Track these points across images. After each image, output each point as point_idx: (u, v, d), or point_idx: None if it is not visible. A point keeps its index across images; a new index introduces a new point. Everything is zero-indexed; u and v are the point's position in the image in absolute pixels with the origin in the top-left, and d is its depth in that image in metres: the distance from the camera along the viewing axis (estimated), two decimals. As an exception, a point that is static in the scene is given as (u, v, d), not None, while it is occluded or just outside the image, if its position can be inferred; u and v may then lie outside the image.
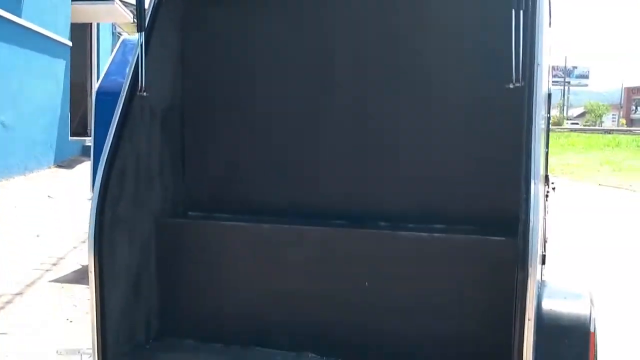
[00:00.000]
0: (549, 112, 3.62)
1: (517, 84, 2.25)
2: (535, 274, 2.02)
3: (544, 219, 3.58)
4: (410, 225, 2.77)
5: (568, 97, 74.67)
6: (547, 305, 2.75)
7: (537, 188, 2.05)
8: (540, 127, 2.18)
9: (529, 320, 2.00)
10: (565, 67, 74.09)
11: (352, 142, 2.97)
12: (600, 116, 73.12)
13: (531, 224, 2.02)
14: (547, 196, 3.72)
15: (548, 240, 4.00)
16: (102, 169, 2.60)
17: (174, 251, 3.03)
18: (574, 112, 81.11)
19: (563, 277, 4.15)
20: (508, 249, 2.29)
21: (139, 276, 2.90)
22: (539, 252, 2.14)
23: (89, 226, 2.56)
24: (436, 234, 2.66)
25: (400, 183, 2.88)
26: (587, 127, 48.33)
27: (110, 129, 2.70)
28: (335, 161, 2.99)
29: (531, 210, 2.03)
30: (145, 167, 2.93)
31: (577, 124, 60.26)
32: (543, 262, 3.55)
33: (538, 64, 2.18)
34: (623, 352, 4.03)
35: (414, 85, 2.88)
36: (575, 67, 75.73)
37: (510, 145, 2.47)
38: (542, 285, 3.02)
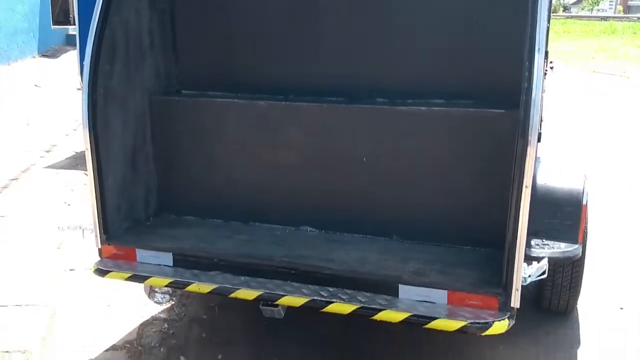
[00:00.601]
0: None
1: None
2: (535, 143, 2.02)
3: (542, 96, 3.58)
4: (409, 101, 2.74)
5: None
6: (543, 179, 2.81)
7: (540, 60, 2.00)
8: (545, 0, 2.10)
9: (526, 187, 2.02)
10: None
11: (350, 18, 2.87)
12: (597, 3, 71.16)
13: (533, 94, 1.99)
14: (545, 74, 3.67)
15: (544, 120, 3.99)
16: (92, 42, 2.51)
17: (169, 129, 3.01)
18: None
19: (558, 155, 4.19)
20: (508, 121, 2.28)
21: (135, 154, 2.89)
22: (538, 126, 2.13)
23: (82, 101, 2.52)
24: (435, 108, 2.64)
25: (399, 59, 2.82)
26: (583, 15, 47.16)
27: (96, 3, 2.59)
28: (333, 38, 2.90)
29: (534, 81, 2.00)
30: (135, 43, 2.85)
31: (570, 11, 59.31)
32: (539, 140, 3.58)
33: None
34: (608, 225, 4.16)
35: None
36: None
37: (512, 18, 2.40)
38: (538, 161, 3.07)
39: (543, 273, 2.27)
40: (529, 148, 2.02)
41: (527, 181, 2.03)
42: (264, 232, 2.85)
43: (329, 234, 2.81)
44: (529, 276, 2.19)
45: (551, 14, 4.11)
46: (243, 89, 2.98)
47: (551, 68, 3.94)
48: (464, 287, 2.23)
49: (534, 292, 3.12)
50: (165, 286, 2.69)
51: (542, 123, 3.86)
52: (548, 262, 2.62)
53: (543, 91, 3.71)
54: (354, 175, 2.77)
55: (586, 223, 2.83)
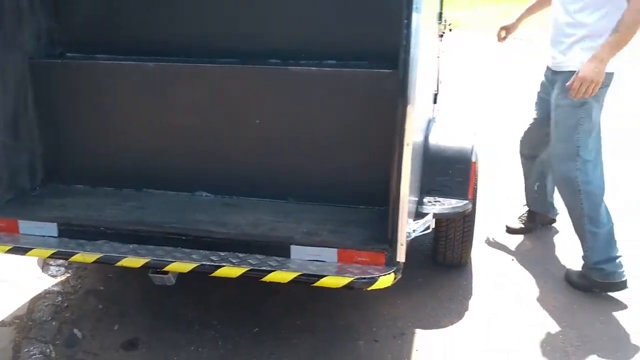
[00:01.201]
0: None
1: None
2: (414, 101, 2.04)
3: (437, 57, 3.63)
4: (302, 62, 2.73)
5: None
6: (434, 139, 2.89)
7: (418, 20, 2.00)
8: None
9: (407, 145, 2.05)
10: None
11: None
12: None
13: (412, 52, 2.01)
14: (441, 36, 3.73)
15: (442, 82, 4.08)
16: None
17: (54, 94, 2.85)
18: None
19: (452, 115, 4.30)
20: (394, 80, 2.29)
21: (15, 120, 2.73)
22: (422, 84, 2.15)
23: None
24: (326, 69, 2.64)
25: (289, 21, 2.80)
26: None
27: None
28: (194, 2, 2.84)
29: (412, 39, 2.01)
30: (11, 2, 2.67)
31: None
32: (435, 101, 3.65)
33: None
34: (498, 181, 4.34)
35: None
36: None
37: None
38: (432, 121, 3.14)
39: (427, 228, 2.35)
40: (408, 107, 2.04)
41: (408, 139, 2.06)
42: (157, 199, 2.78)
43: (224, 198, 2.77)
44: (414, 231, 2.25)
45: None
46: (131, 50, 2.85)
47: (450, 30, 4.02)
48: (353, 245, 2.27)
49: (431, 247, 3.24)
50: (49, 257, 2.59)
51: (439, 84, 3.96)
52: (440, 217, 2.73)
53: (440, 52, 3.83)
54: (248, 138, 2.74)
55: (476, 179, 2.95)
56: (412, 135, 2.06)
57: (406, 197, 2.10)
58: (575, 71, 2.73)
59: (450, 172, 2.80)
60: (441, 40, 3.76)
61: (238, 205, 2.69)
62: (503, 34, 3.60)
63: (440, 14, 3.31)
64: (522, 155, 3.55)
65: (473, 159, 2.81)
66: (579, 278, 3.09)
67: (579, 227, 3.03)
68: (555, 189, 3.35)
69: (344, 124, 2.63)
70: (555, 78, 3.01)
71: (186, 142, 2.79)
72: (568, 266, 3.24)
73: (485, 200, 3.86)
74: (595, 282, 3.01)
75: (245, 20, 2.81)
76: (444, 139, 2.89)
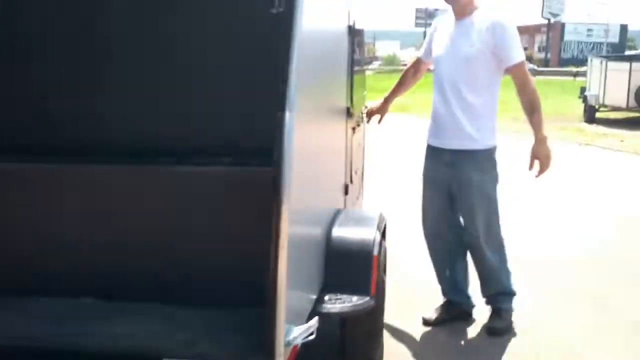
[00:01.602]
0: (357, 46, 3.58)
1: (280, 9, 2.13)
2: (289, 200, 1.96)
3: (349, 150, 3.59)
4: (172, 160, 2.65)
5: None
6: (337, 232, 2.80)
7: (291, 119, 1.96)
8: (308, 54, 2.10)
9: (282, 248, 1.95)
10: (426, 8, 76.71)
11: (127, 75, 2.79)
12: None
13: (284, 152, 1.94)
14: (354, 129, 3.71)
15: (358, 172, 4.03)
16: None
17: None
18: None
19: (364, 205, 4.25)
20: (268, 178, 2.21)
21: None
22: (294, 179, 2.07)
23: None
24: (198, 168, 2.58)
25: (161, 118, 2.76)
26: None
27: None
28: (109, 94, 2.78)
29: (284, 139, 1.95)
30: None
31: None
32: (346, 192, 3.58)
33: None
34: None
35: (174, 18, 2.78)
36: (437, 10, 78.26)
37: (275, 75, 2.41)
38: (339, 213, 3.07)
39: (311, 334, 2.20)
40: (282, 207, 1.95)
41: (283, 241, 1.95)
42: (42, 308, 2.58)
43: (106, 303, 2.59)
44: (294, 338, 2.10)
45: (364, 67, 4.28)
46: (6, 149, 2.74)
47: (368, 121, 4.05)
48: (228, 357, 2.11)
49: (337, 345, 3.07)
50: None
51: (354, 175, 3.91)
52: (341, 316, 2.59)
53: (352, 144, 3.80)
54: (125, 241, 2.61)
55: (380, 273, 2.85)
56: (286, 238, 1.97)
57: (282, 301, 1.98)
58: (485, 149, 3.14)
59: (351, 266, 2.70)
60: (354, 132, 3.74)
61: (119, 311, 2.51)
62: (378, 117, 3.78)
63: (348, 108, 3.30)
64: (428, 235, 3.51)
65: (375, 253, 2.72)
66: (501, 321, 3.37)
67: (497, 276, 3.37)
68: (469, 276, 3.48)
69: (222, 222, 2.53)
70: (460, 158, 3.17)
71: (70, 246, 2.65)
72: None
73: (403, 290, 3.77)
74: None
75: (110, 119, 2.77)
76: (345, 231, 2.80)
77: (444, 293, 3.58)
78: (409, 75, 3.74)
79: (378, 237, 2.80)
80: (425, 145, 3.42)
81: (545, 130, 3.10)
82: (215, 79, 2.73)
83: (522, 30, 66.17)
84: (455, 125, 3.16)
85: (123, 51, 2.82)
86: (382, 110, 3.77)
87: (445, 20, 3.33)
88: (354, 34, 3.46)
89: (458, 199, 3.26)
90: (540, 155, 3.07)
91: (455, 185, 3.23)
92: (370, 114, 3.87)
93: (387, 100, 3.78)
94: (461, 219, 3.36)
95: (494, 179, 3.23)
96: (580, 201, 6.78)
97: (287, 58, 1.99)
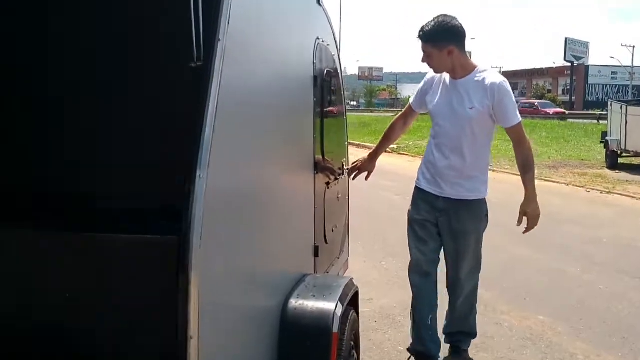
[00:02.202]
0: (332, 95, 3.31)
1: (199, 63, 1.86)
2: (199, 277, 1.64)
3: (321, 207, 3.27)
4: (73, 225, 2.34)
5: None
6: (293, 304, 2.45)
7: (201, 185, 1.66)
8: (229, 110, 1.80)
9: (191, 338, 1.62)
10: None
11: None
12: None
13: (192, 219, 1.64)
14: (328, 183, 3.40)
15: (337, 229, 3.71)
16: None
17: None
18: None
19: (349, 264, 3.92)
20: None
21: None
22: (216, 245, 1.75)
23: None
24: (101, 234, 2.22)
25: (65, 180, 2.55)
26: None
27: None
28: None
29: (194, 204, 1.65)
30: None
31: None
32: (316, 254, 3.23)
33: (219, 39, 1.78)
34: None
35: (94, 78, 2.64)
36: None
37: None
38: (302, 280, 2.73)
39: None
40: (191, 287, 1.63)
41: (192, 330, 1.63)
42: None
43: None
44: None
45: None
46: None
47: (353, 178, 3.79)
48: None
49: None
50: None
51: (328, 234, 3.56)
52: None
53: (327, 200, 3.47)
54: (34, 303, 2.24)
55: (340, 352, 2.49)
56: (196, 325, 1.64)
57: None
58: (479, 199, 3.24)
59: (304, 347, 2.35)
60: (330, 186, 3.43)
61: None
62: (365, 175, 3.68)
63: (316, 164, 3.01)
64: (417, 275, 3.40)
65: (335, 329, 2.37)
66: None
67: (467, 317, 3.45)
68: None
69: (119, 292, 2.15)
70: (454, 206, 3.22)
71: None
72: None
73: None
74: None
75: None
76: (302, 303, 2.46)
77: (420, 343, 3.36)
78: (398, 127, 3.65)
79: (340, 309, 2.46)
80: (414, 187, 3.41)
81: (536, 189, 3.20)
82: (134, 136, 2.49)
83: (545, 72, 66.26)
84: (452, 178, 3.21)
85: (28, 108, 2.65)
86: (368, 167, 3.66)
87: (440, 76, 3.30)
88: (327, 82, 3.21)
89: (448, 244, 3.32)
90: (529, 213, 3.15)
91: (446, 231, 3.28)
92: (353, 172, 3.68)
93: (373, 156, 3.67)
94: (441, 258, 3.42)
95: (484, 226, 3.33)
96: (602, 258, 6.29)
97: (201, 115, 1.72)
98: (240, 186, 1.99)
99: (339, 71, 3.71)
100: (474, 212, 3.25)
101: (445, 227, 3.28)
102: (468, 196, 3.21)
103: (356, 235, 6.60)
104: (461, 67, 3.15)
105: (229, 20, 1.82)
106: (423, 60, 3.21)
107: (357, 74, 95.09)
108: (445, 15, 3.14)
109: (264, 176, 2.24)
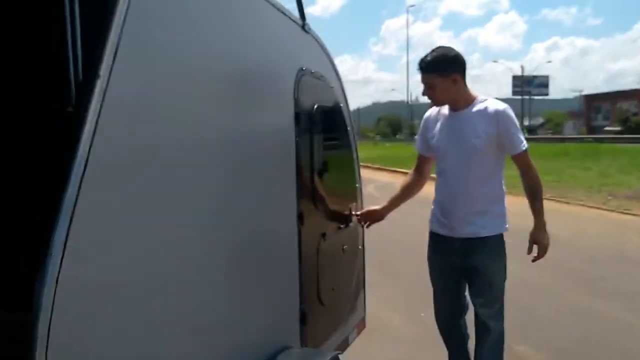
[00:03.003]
0: (316, 133, 2.85)
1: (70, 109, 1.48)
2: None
3: (311, 264, 2.79)
4: None
5: (530, 107, 75.29)
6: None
7: (52, 272, 1.25)
8: (106, 159, 1.39)
9: None
10: (523, 75, 75.05)
11: None
12: (560, 124, 73.38)
13: (42, 298, 1.23)
14: (324, 235, 2.95)
15: (339, 289, 3.22)
16: None
17: None
18: (536, 121, 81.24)
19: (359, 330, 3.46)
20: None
21: None
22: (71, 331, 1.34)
23: None
24: None
25: None
26: (542, 137, 48.08)
27: None
28: None
29: (45, 284, 1.26)
30: None
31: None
32: (303, 322, 2.77)
33: (99, 76, 1.37)
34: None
35: None
36: (535, 77, 75.94)
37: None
38: (277, 355, 2.32)
39: None
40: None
41: None
42: None
43: None
44: None
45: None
46: None
47: (358, 218, 3.38)
48: None
49: None
50: None
51: (334, 292, 3.09)
52: None
53: (324, 255, 3.00)
54: None
55: None
56: None
57: None
58: (497, 234, 3.08)
59: None
60: (326, 238, 2.96)
61: None
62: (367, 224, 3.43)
63: (301, 214, 2.58)
64: (444, 326, 3.35)
65: None
66: None
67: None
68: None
69: None
70: (472, 245, 3.07)
71: None
72: None
73: None
74: None
75: None
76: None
77: None
78: (415, 183, 3.42)
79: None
80: (429, 233, 3.28)
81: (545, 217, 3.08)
82: None
83: (630, 95, 62.91)
84: (465, 215, 3.07)
85: None
86: (378, 217, 3.40)
87: (437, 112, 3.21)
88: (318, 117, 2.81)
89: (471, 285, 3.19)
90: (539, 241, 3.08)
91: (468, 272, 3.16)
92: (364, 219, 3.41)
93: (388, 208, 3.43)
94: (469, 299, 3.29)
95: (505, 263, 3.17)
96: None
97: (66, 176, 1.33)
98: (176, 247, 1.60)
99: (342, 104, 3.31)
100: (492, 248, 3.11)
101: (466, 269, 3.15)
102: (483, 233, 3.07)
103: (394, 281, 6.22)
104: (464, 98, 3.06)
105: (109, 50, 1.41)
106: (424, 93, 3.11)
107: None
108: (445, 46, 3.07)
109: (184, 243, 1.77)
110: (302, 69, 2.67)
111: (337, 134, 3.19)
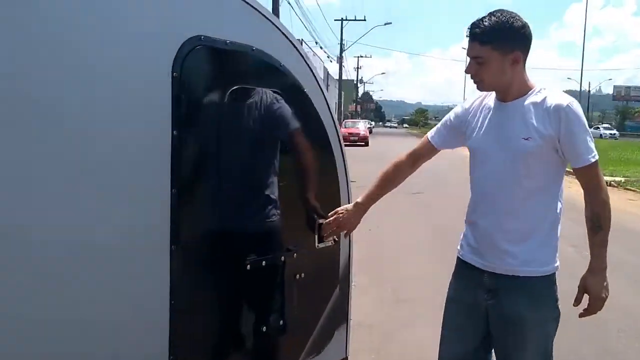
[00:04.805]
0: (229, 123, 2.24)
1: None
2: None
3: (241, 302, 2.22)
4: None
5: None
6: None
7: None
8: None
9: None
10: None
11: None
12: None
13: None
14: (239, 261, 2.19)
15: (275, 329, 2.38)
16: None
17: None
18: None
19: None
20: None
21: None
22: None
23: None
24: None
25: None
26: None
27: None
28: None
29: None
30: None
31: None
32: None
33: None
34: None
35: None
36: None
37: None
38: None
39: None
40: None
41: None
42: None
43: None
44: None
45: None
46: None
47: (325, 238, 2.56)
48: None
49: None
50: None
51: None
52: None
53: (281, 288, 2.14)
54: None
55: None
56: None
57: None
58: (542, 276, 2.24)
59: None
60: (257, 273, 2.13)
61: None
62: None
63: (173, 243, 1.85)
64: None
65: None
66: None
67: None
68: None
69: None
70: (506, 284, 2.26)
71: None
72: None
73: None
74: None
75: None
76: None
77: None
78: (405, 168, 2.58)
79: None
80: (456, 258, 2.48)
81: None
82: None
83: None
84: (500, 242, 2.27)
85: None
86: (350, 222, 2.52)
87: (480, 102, 2.42)
88: (234, 101, 2.15)
89: (498, 338, 2.35)
90: (592, 291, 2.24)
91: (495, 320, 2.32)
92: (328, 230, 2.50)
93: (363, 206, 2.54)
94: None
95: (554, 317, 2.31)
96: None
97: None
98: None
99: (308, 88, 2.43)
100: (535, 294, 2.27)
101: (493, 314, 2.32)
102: (522, 271, 2.25)
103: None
104: (518, 85, 2.27)
105: None
106: (468, 70, 2.28)
107: (611, 93, 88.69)
108: (508, 12, 2.22)
109: None
110: (200, 38, 1.92)
111: (290, 128, 2.36)
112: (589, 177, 2.25)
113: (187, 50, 1.85)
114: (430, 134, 2.57)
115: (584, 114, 2.27)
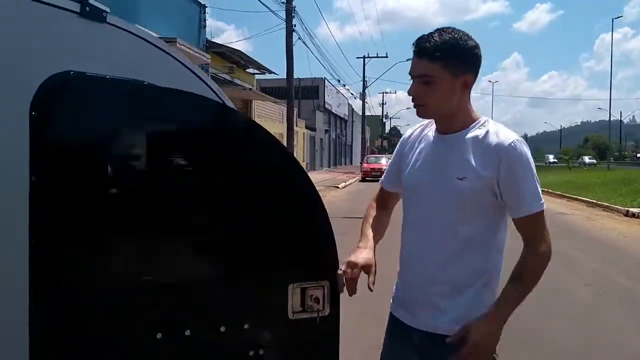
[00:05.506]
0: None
1: None
2: None
3: None
4: None
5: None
6: None
7: None
8: None
9: None
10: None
11: None
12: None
13: None
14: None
15: None
16: None
17: None
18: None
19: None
20: None
21: None
22: None
23: None
24: None
25: None
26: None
27: None
28: None
29: None
30: None
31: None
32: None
33: None
34: None
35: None
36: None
37: None
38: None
39: None
40: None
41: None
42: None
43: None
44: None
45: None
46: None
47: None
48: None
49: None
50: None
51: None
52: None
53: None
54: None
55: None
56: None
57: None
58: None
59: None
60: None
61: None
62: (372, 282, 1.94)
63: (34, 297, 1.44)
64: None
65: None
66: None
67: None
68: None
69: None
70: (432, 345, 1.91)
71: None
72: None
73: None
74: None
75: None
76: None
77: None
78: (384, 216, 2.23)
79: None
80: (389, 314, 2.14)
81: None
82: None
83: None
84: (430, 296, 1.96)
85: None
86: (369, 263, 1.97)
87: (420, 132, 2.12)
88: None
89: None
90: (474, 337, 1.81)
91: None
92: (352, 279, 1.87)
93: (371, 249, 2.04)
94: None
95: None
96: None
97: None
98: None
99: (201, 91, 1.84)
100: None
101: None
102: (452, 331, 1.89)
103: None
104: (463, 115, 1.95)
105: None
106: (411, 92, 1.93)
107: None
108: (460, 30, 1.92)
109: None
110: (69, 73, 1.52)
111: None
112: (530, 227, 1.91)
113: (51, 87, 1.49)
114: (383, 175, 2.26)
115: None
